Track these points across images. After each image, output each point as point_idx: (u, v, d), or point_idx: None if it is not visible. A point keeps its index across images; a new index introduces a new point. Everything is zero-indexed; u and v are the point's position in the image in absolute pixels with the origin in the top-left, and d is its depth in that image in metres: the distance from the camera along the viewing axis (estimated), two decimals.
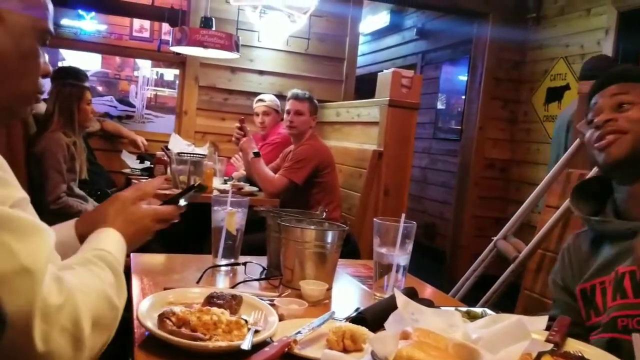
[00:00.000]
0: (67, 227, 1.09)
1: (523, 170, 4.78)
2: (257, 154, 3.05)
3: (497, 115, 4.84)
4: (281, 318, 1.08)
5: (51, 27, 0.88)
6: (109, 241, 0.95)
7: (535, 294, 2.00)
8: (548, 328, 1.04)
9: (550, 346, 0.96)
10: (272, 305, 1.12)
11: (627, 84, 1.18)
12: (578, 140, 2.07)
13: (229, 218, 1.49)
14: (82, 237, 1.09)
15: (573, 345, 1.05)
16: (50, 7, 0.89)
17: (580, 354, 0.96)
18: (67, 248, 0.99)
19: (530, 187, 2.94)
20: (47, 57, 0.90)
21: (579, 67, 4.18)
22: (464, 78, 5.45)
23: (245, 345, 0.90)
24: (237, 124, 3.10)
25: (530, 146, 4.71)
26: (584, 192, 1.29)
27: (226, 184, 3.20)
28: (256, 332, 0.96)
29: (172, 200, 1.12)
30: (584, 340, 1.15)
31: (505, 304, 2.33)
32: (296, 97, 3.20)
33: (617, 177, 1.21)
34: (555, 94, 4.47)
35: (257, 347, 0.90)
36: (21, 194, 0.74)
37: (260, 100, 3.81)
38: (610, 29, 3.97)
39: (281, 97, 3.84)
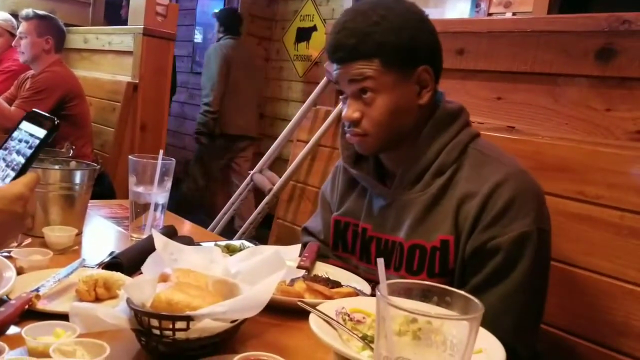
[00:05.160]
0: None
1: (276, 107, 5.01)
2: None
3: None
4: (20, 271, 0.95)
5: None
6: None
7: (287, 222, 2.15)
8: None
9: (302, 272, 1.05)
10: (9, 258, 0.98)
11: (366, 62, 1.03)
12: (325, 78, 2.23)
13: None
14: None
15: (321, 268, 1.16)
16: None
17: (327, 276, 1.08)
18: None
19: (283, 123, 3.10)
20: None
21: (325, 9, 4.51)
22: None
23: None
24: None
25: (282, 84, 4.94)
26: None
27: None
28: None
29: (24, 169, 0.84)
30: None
31: (261, 234, 2.48)
32: (22, 18, 2.83)
33: None
34: (304, 34, 4.73)
35: None
36: None
37: None
38: None
39: (17, 18, 3.32)
